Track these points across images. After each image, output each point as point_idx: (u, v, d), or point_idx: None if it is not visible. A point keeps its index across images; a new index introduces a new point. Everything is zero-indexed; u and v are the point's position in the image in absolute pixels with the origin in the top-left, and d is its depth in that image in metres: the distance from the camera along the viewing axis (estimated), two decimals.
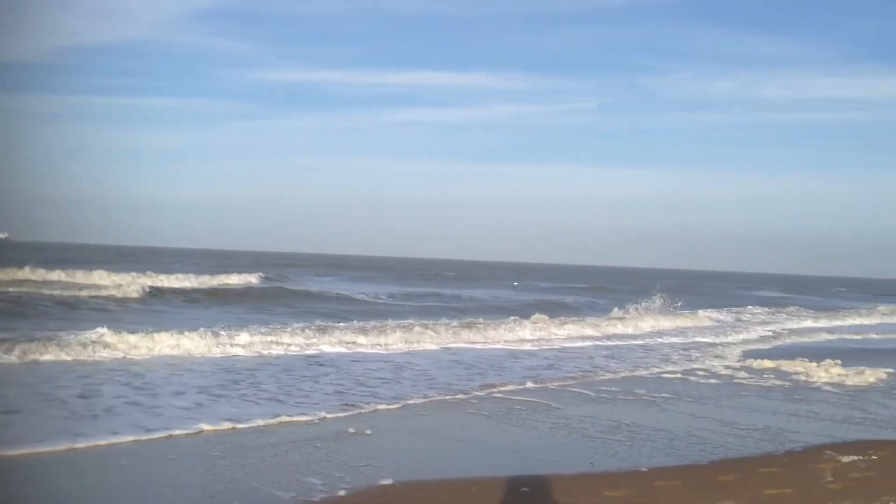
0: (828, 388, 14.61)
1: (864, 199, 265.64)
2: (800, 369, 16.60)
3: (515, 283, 59.87)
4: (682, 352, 20.10)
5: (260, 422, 9.63)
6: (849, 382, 15.19)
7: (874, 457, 8.84)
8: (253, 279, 43.27)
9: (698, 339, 23.46)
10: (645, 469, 8.21)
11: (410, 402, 11.54)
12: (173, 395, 11.04)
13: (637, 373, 15.88)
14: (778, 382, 15.00)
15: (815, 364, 16.90)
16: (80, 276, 33.21)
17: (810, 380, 15.45)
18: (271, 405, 10.74)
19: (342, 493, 7.04)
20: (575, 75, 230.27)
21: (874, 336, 28.41)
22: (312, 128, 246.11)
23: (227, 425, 9.32)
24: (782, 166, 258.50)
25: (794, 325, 32.99)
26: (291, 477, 7.45)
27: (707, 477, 7.93)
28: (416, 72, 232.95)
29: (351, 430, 9.54)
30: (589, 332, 23.50)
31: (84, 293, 27.01)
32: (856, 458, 8.77)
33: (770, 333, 27.52)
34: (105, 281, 32.32)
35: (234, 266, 54.04)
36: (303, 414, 10.26)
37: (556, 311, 32.48)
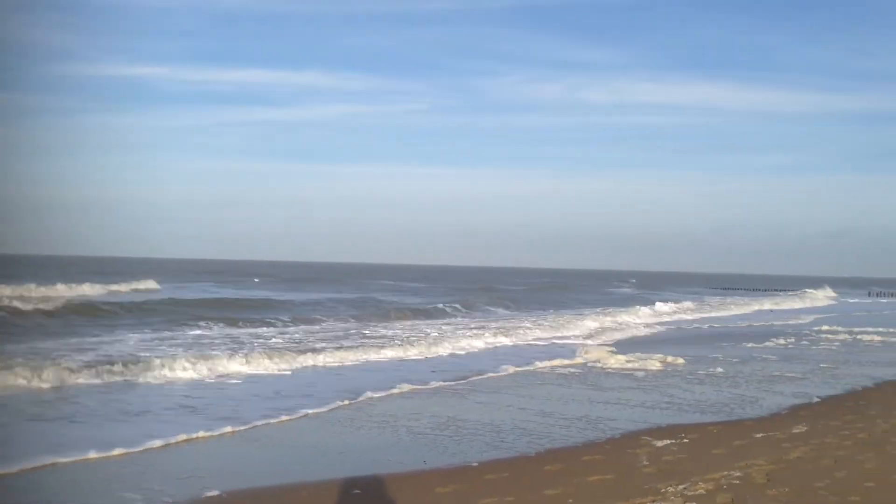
0: (629, 374, 15.61)
1: (679, 197, 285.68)
2: (590, 357, 18.04)
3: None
4: (514, 352, 20.60)
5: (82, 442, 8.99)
6: (651, 367, 16.37)
7: (686, 440, 9.41)
8: (151, 285, 43.97)
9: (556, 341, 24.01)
10: (475, 464, 8.32)
11: (245, 413, 10.96)
12: None
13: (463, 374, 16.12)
14: (574, 371, 15.94)
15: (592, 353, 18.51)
16: None
17: (605, 367, 16.47)
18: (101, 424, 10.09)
19: None
20: (408, 76, 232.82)
21: (682, 327, 30.89)
22: (135, 125, 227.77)
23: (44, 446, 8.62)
24: (605, 166, 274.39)
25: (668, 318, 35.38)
26: (107, 493, 6.99)
27: (534, 468, 8.14)
28: (245, 69, 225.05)
29: (172, 442, 9.12)
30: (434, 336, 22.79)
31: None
32: (669, 442, 9.30)
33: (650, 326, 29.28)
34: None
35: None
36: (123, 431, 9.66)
37: (405, 315, 32.35)
